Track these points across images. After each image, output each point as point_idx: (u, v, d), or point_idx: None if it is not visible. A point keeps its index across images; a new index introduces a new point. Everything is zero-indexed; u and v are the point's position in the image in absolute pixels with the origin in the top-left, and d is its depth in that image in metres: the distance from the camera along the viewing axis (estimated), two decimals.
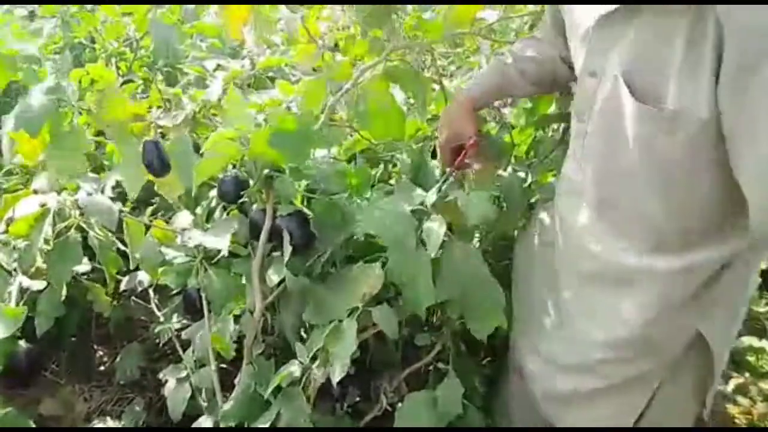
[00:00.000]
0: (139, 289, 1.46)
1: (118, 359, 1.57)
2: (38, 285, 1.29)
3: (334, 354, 1.08)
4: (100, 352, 1.70)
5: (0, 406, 1.04)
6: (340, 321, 1.11)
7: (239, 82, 1.79)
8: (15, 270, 1.31)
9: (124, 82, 1.96)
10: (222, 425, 1.13)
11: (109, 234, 1.43)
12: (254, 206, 1.21)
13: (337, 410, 1.20)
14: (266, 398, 1.11)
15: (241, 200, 1.21)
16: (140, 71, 2.20)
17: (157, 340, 1.65)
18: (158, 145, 1.24)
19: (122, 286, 1.48)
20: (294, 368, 1.12)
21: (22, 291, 1.28)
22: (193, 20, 2.10)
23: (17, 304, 1.24)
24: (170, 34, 2.09)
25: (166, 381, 1.43)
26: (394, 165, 1.39)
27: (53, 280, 1.34)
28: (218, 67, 1.94)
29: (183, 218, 1.43)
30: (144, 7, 2.19)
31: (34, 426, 1.06)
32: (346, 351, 1.06)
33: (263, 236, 1.16)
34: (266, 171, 1.18)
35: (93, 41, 2.26)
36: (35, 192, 1.48)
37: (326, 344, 1.09)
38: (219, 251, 1.24)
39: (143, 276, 1.47)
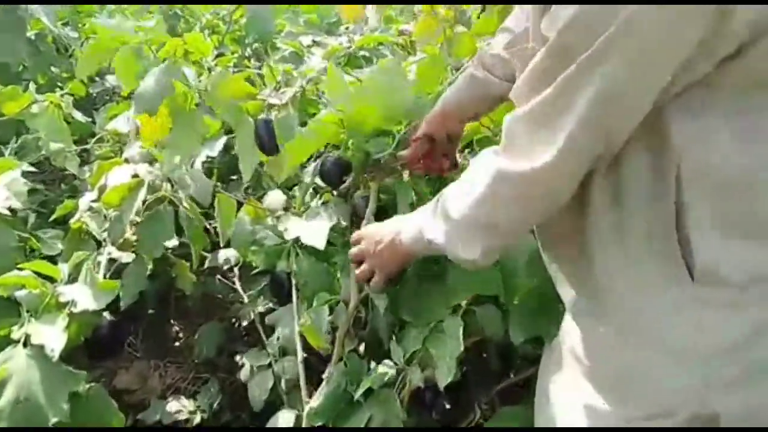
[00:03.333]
0: (225, 267, 1.40)
1: (196, 337, 1.53)
2: (127, 257, 1.25)
3: (437, 356, 0.99)
4: (176, 328, 1.67)
5: (84, 380, 0.99)
6: (441, 321, 1.02)
7: (334, 61, 1.72)
8: (104, 240, 1.28)
9: (217, 56, 1.92)
10: (306, 424, 1.06)
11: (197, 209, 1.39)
12: (357, 192, 1.13)
13: (428, 418, 1.11)
14: (356, 399, 1.03)
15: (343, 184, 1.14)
16: (232, 45, 2.17)
17: (234, 321, 1.62)
18: (269, 123, 1.19)
19: (206, 264, 1.44)
20: (388, 369, 1.04)
21: (111, 262, 1.25)
22: None
23: (105, 275, 1.21)
24: (264, 9, 2.05)
25: (243, 365, 1.39)
26: None
27: (143, 253, 1.30)
28: (314, 43, 1.88)
29: (275, 197, 1.37)
30: None
31: (116, 407, 1.01)
32: (452, 353, 0.98)
33: (367, 222, 1.08)
34: (371, 152, 1.10)
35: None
36: (126, 161, 1.45)
37: (426, 345, 1.01)
38: None
39: (229, 254, 1.42)
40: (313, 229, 1.11)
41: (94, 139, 1.68)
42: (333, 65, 1.16)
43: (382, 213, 1.11)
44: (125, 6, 2.16)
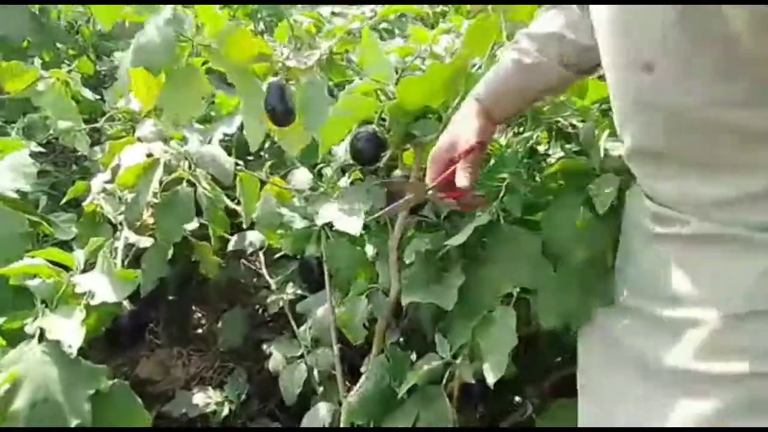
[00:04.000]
0: (250, 250, 1.32)
1: (219, 324, 1.45)
2: (146, 242, 1.17)
3: (486, 349, 0.90)
4: (198, 314, 1.60)
5: (105, 376, 0.92)
6: (490, 311, 0.93)
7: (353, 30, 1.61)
8: (121, 224, 1.20)
9: None
10: (344, 422, 0.98)
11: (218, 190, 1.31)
12: (395, 172, 1.03)
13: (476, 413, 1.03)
14: (400, 396, 0.95)
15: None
16: (244, 19, 2.06)
17: (258, 307, 1.54)
18: (283, 88, 1.08)
19: (230, 247, 1.35)
20: (434, 363, 0.95)
21: (128, 247, 1.17)
22: None
23: (123, 262, 1.13)
24: None
25: (270, 353, 1.31)
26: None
27: (162, 237, 1.22)
28: (333, 14, 1.76)
29: (301, 176, 1.28)
30: None
31: (140, 403, 0.94)
32: (504, 345, 0.88)
33: (405, 207, 0.98)
34: (412, 129, 1.00)
35: None
36: (139, 140, 1.37)
37: (476, 337, 0.92)
38: None
39: (254, 237, 1.33)
40: (347, 214, 1.01)
41: (104, 118, 1.59)
42: (368, 29, 1.05)
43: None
44: None
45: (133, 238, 1.17)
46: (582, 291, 0.90)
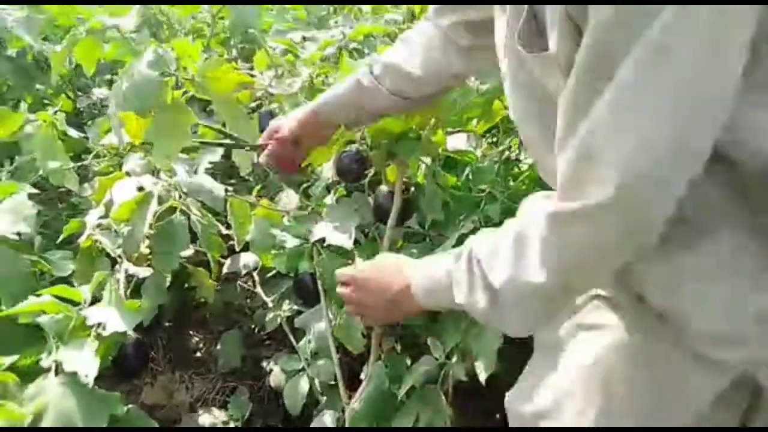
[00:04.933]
0: (243, 272, 1.37)
1: (218, 346, 1.50)
2: (145, 272, 1.22)
3: (477, 350, 0.98)
4: (196, 338, 1.64)
5: (120, 401, 0.97)
6: None
7: (327, 55, 1.68)
8: (119, 257, 1.24)
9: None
10: (348, 424, 1.04)
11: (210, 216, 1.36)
12: (381, 187, 1.10)
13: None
14: (400, 398, 1.01)
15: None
16: (218, 48, 2.12)
17: (254, 326, 1.59)
18: (273, 114, 1.15)
19: (224, 270, 1.41)
20: (429, 366, 1.02)
21: (128, 278, 1.21)
22: None
23: (126, 293, 1.17)
24: (249, 8, 2.00)
25: (271, 370, 1.36)
26: None
27: (159, 266, 1.27)
28: (304, 39, 1.84)
29: (289, 198, 1.34)
30: None
31: (156, 426, 0.99)
32: (492, 345, 0.96)
33: (392, 220, 1.06)
34: (393, 148, 1.07)
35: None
36: (128, 174, 1.42)
37: (466, 338, 0.99)
38: None
39: (247, 259, 1.39)
40: (338, 230, 1.08)
41: (91, 155, 1.64)
42: (346, 54, 1.12)
43: (408, 210, 1.08)
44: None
45: (132, 269, 1.22)
46: None
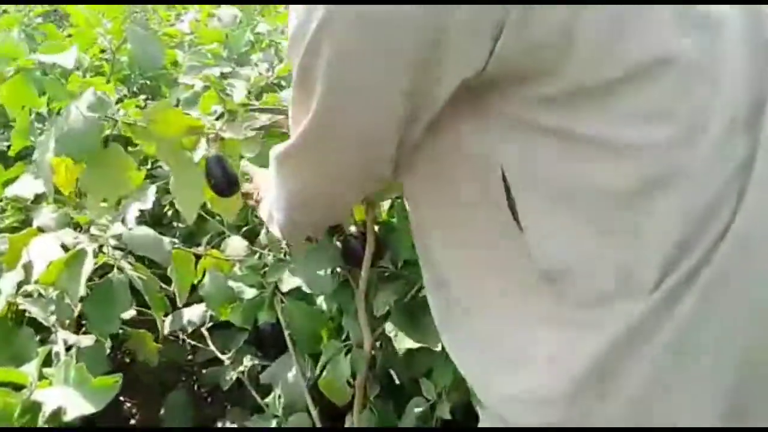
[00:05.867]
0: (190, 329, 1.27)
1: (161, 412, 1.36)
2: (87, 341, 1.09)
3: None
4: (128, 404, 1.49)
5: None
6: None
7: (256, 91, 1.62)
8: (54, 326, 1.10)
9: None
10: None
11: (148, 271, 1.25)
12: (350, 228, 1.07)
13: None
14: None
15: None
16: (119, 85, 1.98)
17: (196, 386, 1.48)
18: (223, 160, 1.08)
19: (165, 329, 1.29)
20: (421, 408, 0.99)
21: (68, 349, 1.08)
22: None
23: (66, 367, 1.04)
24: (150, 42, 1.89)
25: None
26: None
27: (97, 332, 1.14)
28: (223, 75, 1.76)
29: (236, 244, 1.27)
30: (121, 14, 1.99)
31: None
32: None
33: (367, 261, 1.02)
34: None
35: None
36: (41, 230, 1.27)
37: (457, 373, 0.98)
38: None
39: (191, 314, 1.29)
40: (313, 276, 1.02)
41: None
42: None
43: (381, 249, 1.05)
44: None
45: (72, 338, 1.09)
46: None
